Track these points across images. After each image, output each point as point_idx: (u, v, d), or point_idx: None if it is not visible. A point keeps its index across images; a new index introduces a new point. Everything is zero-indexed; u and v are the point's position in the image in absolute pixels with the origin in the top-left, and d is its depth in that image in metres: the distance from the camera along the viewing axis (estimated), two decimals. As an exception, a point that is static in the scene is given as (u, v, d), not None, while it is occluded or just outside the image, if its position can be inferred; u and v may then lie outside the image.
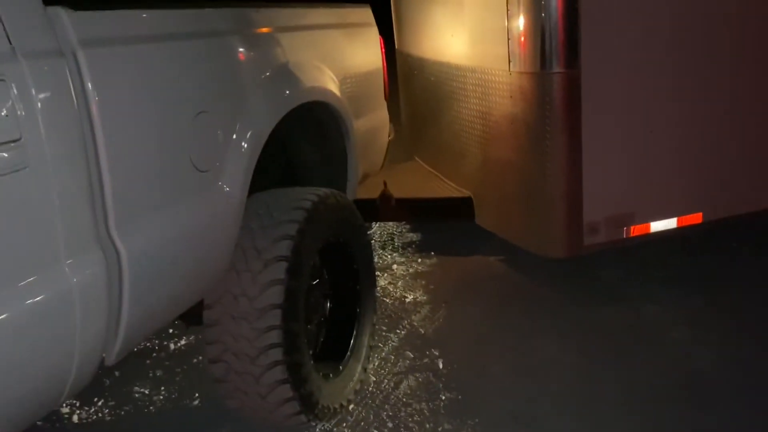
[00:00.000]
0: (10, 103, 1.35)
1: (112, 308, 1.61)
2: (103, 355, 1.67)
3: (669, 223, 3.42)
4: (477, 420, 2.49)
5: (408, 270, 3.85)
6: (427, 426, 2.47)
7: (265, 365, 2.15)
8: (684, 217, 3.45)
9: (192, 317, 2.27)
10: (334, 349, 2.61)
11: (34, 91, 1.40)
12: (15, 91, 1.36)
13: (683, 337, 3.03)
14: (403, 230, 4.50)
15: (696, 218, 3.48)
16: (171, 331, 3.22)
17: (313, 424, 2.34)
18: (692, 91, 3.33)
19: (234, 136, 2.07)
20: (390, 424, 2.48)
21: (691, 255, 3.87)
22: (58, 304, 1.47)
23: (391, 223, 4.60)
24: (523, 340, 3.04)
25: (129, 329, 1.68)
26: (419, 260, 3.98)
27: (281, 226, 2.22)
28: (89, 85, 1.53)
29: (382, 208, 3.90)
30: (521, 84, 3.19)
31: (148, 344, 3.10)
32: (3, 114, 1.34)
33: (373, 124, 3.30)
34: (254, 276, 2.14)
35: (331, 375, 2.50)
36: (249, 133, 2.11)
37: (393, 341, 3.06)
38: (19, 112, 1.36)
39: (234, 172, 2.05)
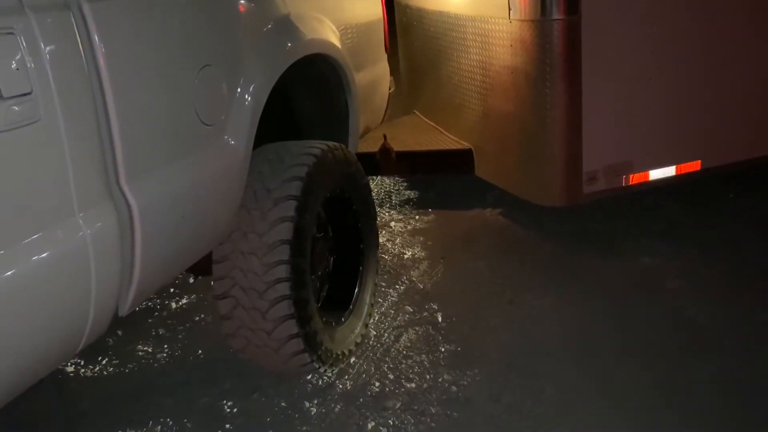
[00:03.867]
0: (19, 56, 1.39)
1: (124, 260, 1.69)
2: (117, 305, 1.75)
3: (668, 171, 3.53)
4: (476, 371, 2.59)
5: (406, 227, 3.92)
6: (427, 377, 2.57)
7: (273, 299, 2.25)
8: (683, 165, 3.55)
9: (199, 268, 2.38)
10: (337, 304, 2.72)
11: (42, 44, 1.44)
12: (24, 44, 1.40)
13: (679, 288, 3.13)
14: (401, 188, 4.55)
15: (695, 166, 3.58)
16: (172, 290, 3.30)
17: (316, 366, 2.43)
18: (691, 40, 3.38)
19: (238, 90, 2.13)
20: (391, 376, 2.58)
21: (687, 207, 3.95)
22: (73, 256, 1.53)
23: (388, 181, 4.66)
24: (520, 293, 3.13)
25: (141, 280, 1.76)
26: (417, 217, 4.05)
27: (292, 169, 2.34)
28: (95, 37, 1.56)
29: (383, 161, 3.94)
30: (521, 32, 3.23)
31: (149, 303, 3.18)
32: (13, 67, 1.37)
33: (374, 76, 3.35)
34: (264, 213, 2.25)
35: (333, 324, 2.61)
36: (252, 87, 2.18)
37: (392, 296, 3.14)
38: (28, 66, 1.40)
39: (238, 126, 2.12)
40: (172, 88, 1.86)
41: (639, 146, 3.41)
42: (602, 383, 2.49)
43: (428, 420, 2.35)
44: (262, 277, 2.24)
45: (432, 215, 4.06)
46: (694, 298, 3.03)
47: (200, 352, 2.79)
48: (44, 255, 1.46)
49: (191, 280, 3.38)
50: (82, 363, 2.75)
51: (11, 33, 1.37)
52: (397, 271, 3.38)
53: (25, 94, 1.39)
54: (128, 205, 1.67)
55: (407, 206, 4.23)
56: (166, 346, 2.86)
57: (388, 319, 2.97)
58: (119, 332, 2.95)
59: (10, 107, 1.36)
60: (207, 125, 1.99)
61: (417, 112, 4.76)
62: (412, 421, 2.35)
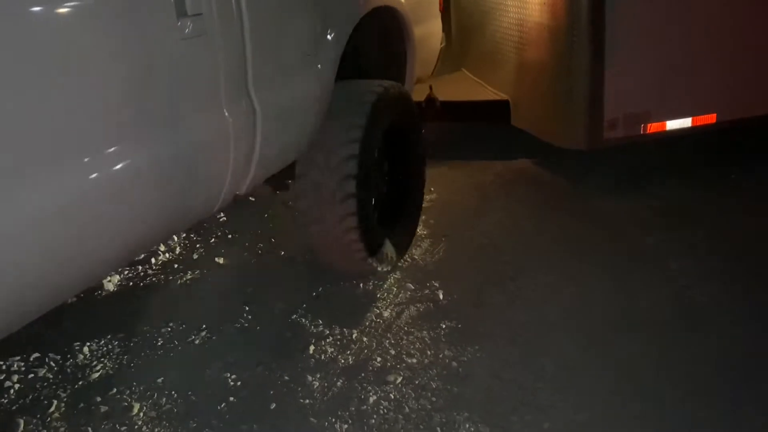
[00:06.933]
0: None
1: (248, 149, 2.23)
2: (239, 185, 2.28)
3: (684, 123, 3.85)
4: (476, 347, 2.64)
5: (408, 205, 3.93)
6: (428, 353, 2.62)
7: (344, 158, 2.80)
8: (699, 117, 3.85)
9: (280, 183, 3.03)
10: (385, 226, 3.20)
11: None
12: None
13: (682, 267, 3.18)
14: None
15: (710, 119, 3.87)
16: (176, 266, 3.35)
17: (361, 243, 2.91)
18: None
19: (328, 30, 2.72)
20: (392, 351, 2.63)
21: (691, 187, 4.02)
22: (222, 136, 2.09)
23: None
24: (522, 272, 3.19)
25: (257, 167, 2.32)
26: (419, 196, 4.07)
27: (370, 84, 3.05)
28: None
29: (427, 109, 4.35)
30: None
31: (154, 279, 3.23)
32: None
33: (428, 30, 3.97)
34: (349, 107, 2.87)
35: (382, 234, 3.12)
36: (338, 28, 2.77)
37: (394, 274, 3.19)
38: None
39: (327, 58, 2.71)
40: (288, 22, 2.46)
41: (657, 97, 3.74)
42: (603, 360, 2.56)
43: (429, 395, 2.40)
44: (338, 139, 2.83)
45: (434, 194, 4.10)
46: (696, 277, 3.09)
47: (204, 326, 2.84)
48: (207, 131, 2.02)
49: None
50: (88, 336, 2.80)
51: None
52: (399, 249, 3.42)
53: (199, 14, 1.91)
54: (253, 109, 2.20)
55: (410, 185, 4.25)
56: (170, 320, 2.91)
57: (390, 296, 3.02)
58: (125, 308, 2.99)
59: (189, 22, 1.87)
60: (307, 54, 2.58)
61: (464, 70, 5.20)
62: (413, 395, 2.40)
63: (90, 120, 1.63)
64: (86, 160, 1.61)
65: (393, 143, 3.23)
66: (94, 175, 1.63)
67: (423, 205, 3.93)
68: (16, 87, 1.45)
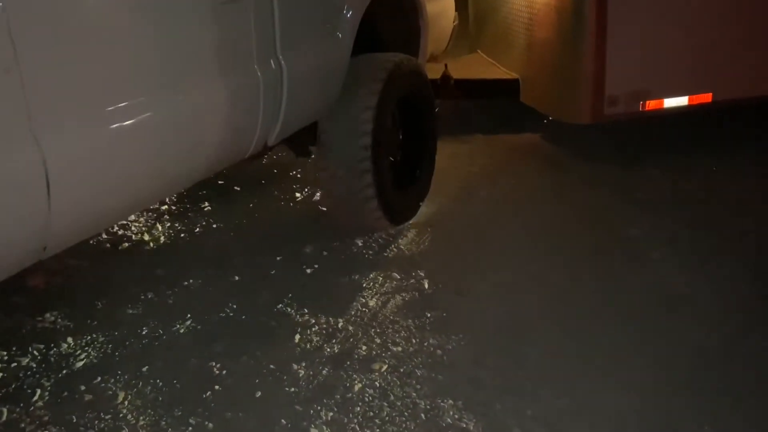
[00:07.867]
0: None
1: (276, 103, 2.59)
2: (268, 135, 2.66)
3: (681, 101, 4.07)
4: (461, 335, 2.67)
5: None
6: (413, 341, 2.65)
7: (362, 119, 3.15)
8: (695, 96, 4.06)
9: (302, 149, 3.42)
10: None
11: None
12: None
13: (663, 258, 3.24)
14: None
15: (706, 98, 4.08)
16: (161, 255, 3.35)
17: (377, 202, 3.23)
18: None
19: (345, 4, 3.09)
20: (378, 340, 2.66)
21: (674, 179, 4.09)
22: (253, 90, 2.46)
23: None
24: (506, 261, 3.23)
25: (283, 120, 2.68)
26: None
27: (389, 56, 3.39)
28: None
29: (442, 86, 4.71)
30: None
31: (139, 267, 3.23)
32: None
33: (441, 8, 4.31)
34: (367, 75, 3.22)
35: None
36: (354, 3, 3.11)
37: (380, 264, 3.21)
38: None
39: (345, 28, 3.08)
40: None
41: (656, 76, 3.95)
42: (585, 348, 2.61)
43: (414, 382, 2.43)
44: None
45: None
46: (677, 268, 3.17)
47: (189, 315, 2.85)
48: (242, 84, 2.41)
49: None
50: (72, 326, 2.79)
51: None
52: (385, 240, 3.46)
53: None
54: (281, 68, 2.58)
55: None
56: (154, 309, 2.91)
57: (376, 285, 3.05)
58: (108, 297, 2.98)
59: None
60: (327, 24, 2.98)
61: (479, 51, 5.50)
62: (398, 383, 2.42)
63: (170, 65, 2.12)
64: (167, 93, 2.10)
65: (407, 114, 3.50)
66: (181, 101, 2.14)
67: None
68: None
